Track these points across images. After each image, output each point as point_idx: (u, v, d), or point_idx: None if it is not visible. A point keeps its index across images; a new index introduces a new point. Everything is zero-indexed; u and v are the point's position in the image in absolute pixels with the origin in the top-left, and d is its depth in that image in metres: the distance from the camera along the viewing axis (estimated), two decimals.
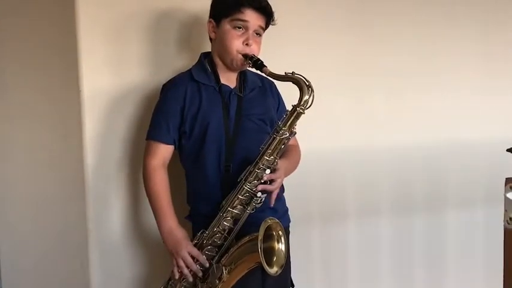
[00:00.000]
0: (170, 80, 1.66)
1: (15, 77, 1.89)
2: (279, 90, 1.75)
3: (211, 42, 1.67)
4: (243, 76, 1.68)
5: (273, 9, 1.61)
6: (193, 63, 1.69)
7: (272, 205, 1.56)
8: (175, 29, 1.81)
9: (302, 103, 1.47)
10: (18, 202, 1.93)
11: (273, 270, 1.44)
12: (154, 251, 1.82)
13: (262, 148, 1.51)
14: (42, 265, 1.91)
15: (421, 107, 2.16)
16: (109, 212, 1.79)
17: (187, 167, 1.65)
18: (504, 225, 1.37)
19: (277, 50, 1.69)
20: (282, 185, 1.71)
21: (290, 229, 1.72)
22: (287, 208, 1.73)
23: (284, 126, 1.49)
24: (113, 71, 1.74)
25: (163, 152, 1.60)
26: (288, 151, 1.69)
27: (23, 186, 1.92)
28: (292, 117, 1.49)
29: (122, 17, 1.75)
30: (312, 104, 1.48)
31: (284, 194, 1.71)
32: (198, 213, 1.63)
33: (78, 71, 1.68)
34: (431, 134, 2.19)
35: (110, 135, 1.75)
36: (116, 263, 1.81)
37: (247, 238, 1.49)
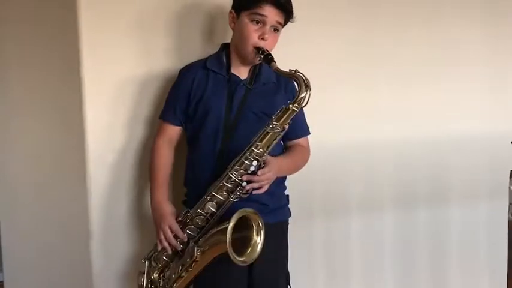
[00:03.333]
0: (187, 65, 1.72)
1: (16, 68, 1.89)
2: None
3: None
4: (257, 70, 1.69)
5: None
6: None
7: (259, 193, 1.55)
8: (166, 18, 1.81)
9: (298, 100, 1.48)
10: (20, 193, 1.95)
11: (241, 259, 1.46)
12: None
13: (252, 139, 1.52)
14: (44, 255, 1.93)
15: (424, 101, 2.16)
16: (111, 202, 1.80)
17: (188, 150, 1.71)
18: (509, 218, 1.40)
19: (283, 42, 1.67)
20: (283, 182, 1.71)
21: (291, 224, 1.74)
22: (284, 203, 1.73)
23: (277, 121, 1.50)
24: (115, 61, 1.75)
25: (170, 131, 1.69)
26: (292, 151, 1.71)
27: (25, 177, 1.94)
28: (286, 114, 1.50)
29: (124, 7, 1.75)
30: (307, 102, 1.48)
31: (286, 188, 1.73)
32: (190, 197, 1.68)
33: (80, 61, 1.69)
34: (435, 127, 2.19)
35: (111, 126, 1.77)
36: (118, 252, 1.83)
37: (225, 224, 1.50)
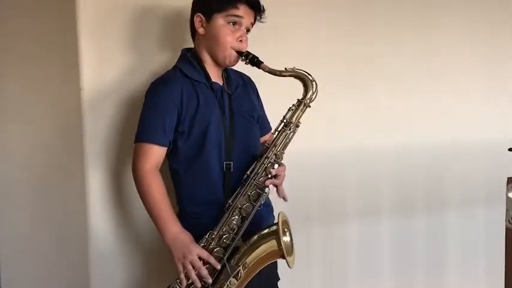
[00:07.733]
0: (159, 78, 1.58)
1: (15, 75, 1.84)
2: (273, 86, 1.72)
3: (193, 38, 1.63)
4: (225, 73, 1.66)
5: (271, 6, 1.61)
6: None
7: (286, 198, 1.58)
8: (162, 25, 1.77)
9: (307, 97, 1.50)
10: (18, 202, 1.88)
11: (290, 260, 1.45)
12: (152, 254, 1.77)
13: (269, 143, 1.51)
14: (41, 267, 1.88)
15: (422, 106, 2.17)
16: (108, 214, 1.74)
17: (183, 168, 1.55)
18: (506, 225, 1.43)
19: (275, 49, 1.70)
20: None
21: None
22: None
23: (291, 121, 1.51)
24: (112, 68, 1.70)
25: (157, 154, 1.51)
26: None
27: (22, 186, 1.87)
28: (299, 111, 1.51)
29: (121, 14, 1.72)
30: (315, 97, 1.51)
31: (285, 193, 1.70)
32: (191, 216, 1.55)
33: (79, 69, 1.64)
34: (432, 133, 2.20)
35: (110, 135, 1.71)
36: (117, 259, 1.78)
37: (255, 237, 1.47)
